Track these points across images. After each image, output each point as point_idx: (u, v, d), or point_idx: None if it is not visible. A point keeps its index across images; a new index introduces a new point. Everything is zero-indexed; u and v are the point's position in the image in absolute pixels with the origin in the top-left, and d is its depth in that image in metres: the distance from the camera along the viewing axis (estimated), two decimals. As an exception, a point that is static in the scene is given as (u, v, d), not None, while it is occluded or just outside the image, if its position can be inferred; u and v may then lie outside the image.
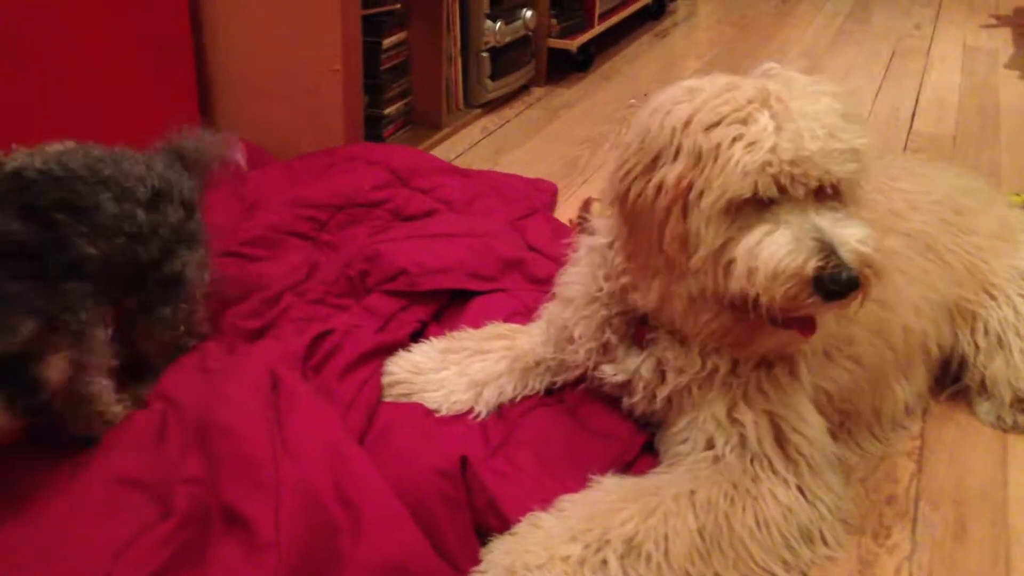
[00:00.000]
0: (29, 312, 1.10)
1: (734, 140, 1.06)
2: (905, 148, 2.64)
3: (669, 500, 1.14)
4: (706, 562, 1.12)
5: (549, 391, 1.43)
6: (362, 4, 2.23)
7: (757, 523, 1.15)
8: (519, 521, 1.15)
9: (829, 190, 1.08)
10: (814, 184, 1.06)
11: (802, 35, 3.92)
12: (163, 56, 2.13)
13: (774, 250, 1.05)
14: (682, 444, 1.24)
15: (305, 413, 1.25)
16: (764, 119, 1.06)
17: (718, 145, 1.06)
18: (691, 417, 1.23)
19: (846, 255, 1.04)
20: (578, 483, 1.22)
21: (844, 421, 1.35)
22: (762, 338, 1.15)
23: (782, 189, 1.05)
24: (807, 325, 1.12)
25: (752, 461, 1.18)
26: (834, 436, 1.30)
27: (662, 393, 1.25)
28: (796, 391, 1.22)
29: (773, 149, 1.04)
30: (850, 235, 1.06)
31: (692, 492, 1.15)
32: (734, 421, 1.19)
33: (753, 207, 1.07)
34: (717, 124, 1.07)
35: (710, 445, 1.20)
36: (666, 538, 1.11)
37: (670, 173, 1.09)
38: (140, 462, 1.20)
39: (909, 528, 1.27)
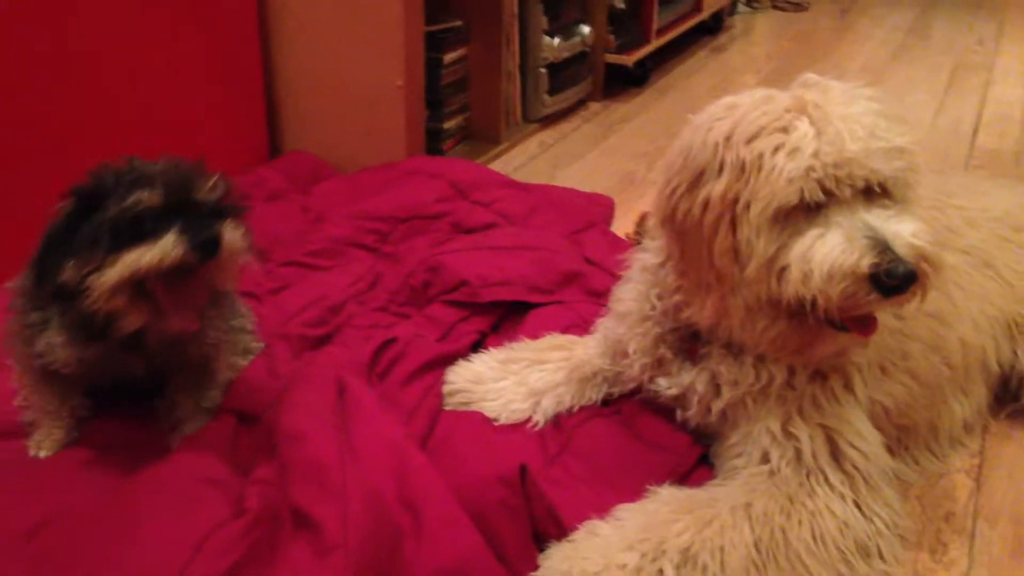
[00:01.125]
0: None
1: (776, 149, 1.07)
2: (967, 164, 2.62)
3: (725, 512, 1.16)
4: (762, 574, 1.13)
5: (606, 402, 1.45)
6: (424, 21, 2.29)
7: (814, 537, 1.16)
8: (576, 528, 1.18)
9: (878, 189, 1.09)
10: (861, 184, 1.07)
11: (861, 50, 3.90)
12: (233, 72, 2.21)
13: (827, 251, 1.06)
14: (737, 458, 1.25)
15: (370, 419, 1.29)
16: (804, 126, 1.07)
17: (760, 155, 1.08)
18: (746, 431, 1.24)
19: (900, 249, 1.04)
20: (634, 493, 1.24)
21: (901, 436, 1.35)
22: (822, 343, 1.15)
23: (828, 192, 1.07)
24: (867, 325, 1.12)
25: (808, 475, 1.19)
26: (891, 451, 1.30)
27: (717, 406, 1.26)
28: (852, 405, 1.23)
29: (815, 154, 1.06)
30: (903, 230, 1.06)
31: (748, 505, 1.17)
32: (789, 435, 1.20)
33: (802, 213, 1.08)
34: (757, 135, 1.09)
35: (765, 459, 1.22)
36: (722, 550, 1.13)
37: (716, 188, 1.11)
38: (216, 462, 1.25)
39: (967, 545, 1.27)
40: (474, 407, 1.43)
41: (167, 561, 1.07)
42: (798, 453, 1.20)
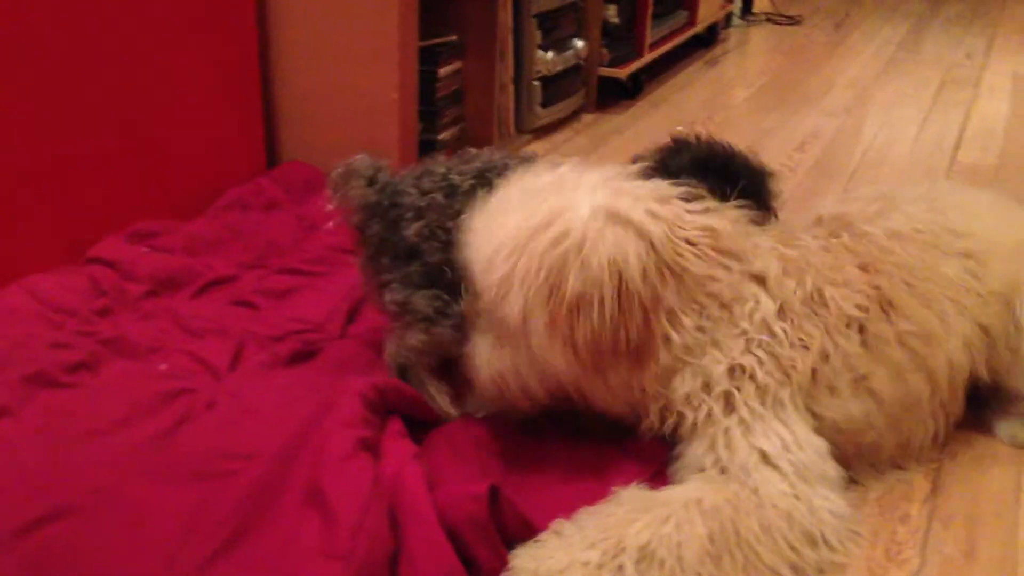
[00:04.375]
0: None
1: None
2: (946, 179, 2.68)
3: (680, 508, 1.21)
4: (718, 565, 1.18)
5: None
6: (420, 36, 2.36)
7: (762, 528, 1.21)
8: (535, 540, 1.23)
9: None
10: None
11: (852, 64, 3.97)
12: (233, 84, 2.28)
13: None
14: (683, 464, 1.33)
15: (391, 434, 1.38)
16: None
17: None
18: (684, 446, 1.33)
19: None
20: (604, 494, 1.29)
21: (863, 453, 1.40)
22: None
23: None
24: None
25: (747, 476, 1.25)
26: (848, 463, 1.36)
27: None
28: (784, 420, 1.29)
29: None
30: None
31: (699, 500, 1.22)
32: (717, 457, 1.28)
33: None
34: None
35: (702, 468, 1.29)
36: (679, 544, 1.18)
37: None
38: (212, 451, 1.33)
39: (920, 545, 1.33)
40: None
41: (158, 549, 1.14)
42: (726, 468, 1.27)
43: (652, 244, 1.25)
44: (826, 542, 1.24)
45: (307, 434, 1.32)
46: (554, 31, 2.98)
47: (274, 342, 1.67)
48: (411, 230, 1.43)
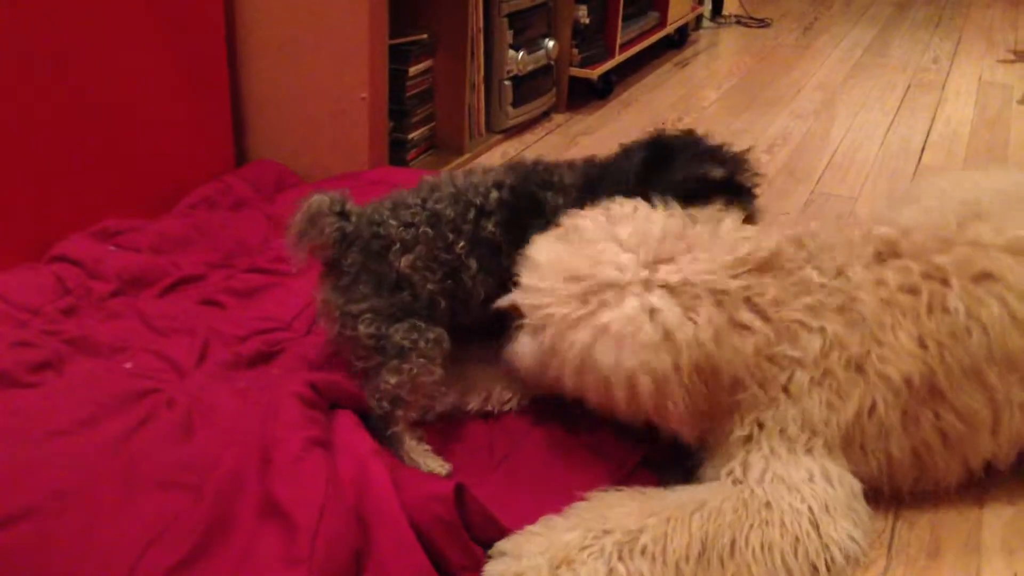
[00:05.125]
0: None
1: None
2: (912, 181, 2.71)
3: (673, 507, 1.21)
4: (702, 567, 1.16)
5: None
6: (389, 34, 2.35)
7: (762, 545, 1.17)
8: (519, 530, 1.23)
9: None
10: None
11: (820, 67, 4.00)
12: (200, 80, 2.25)
13: None
14: (699, 477, 1.33)
15: (344, 430, 1.36)
16: None
17: None
18: (711, 451, 1.33)
19: None
20: (574, 495, 1.29)
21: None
22: None
23: None
24: None
25: (770, 483, 1.23)
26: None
27: None
28: (814, 456, 1.27)
29: None
30: None
31: (703, 503, 1.21)
32: (732, 469, 1.27)
33: None
34: None
35: (717, 479, 1.28)
36: (665, 535, 1.17)
37: None
38: (178, 456, 1.31)
39: (886, 546, 1.34)
40: None
41: (118, 557, 1.12)
42: (740, 480, 1.26)
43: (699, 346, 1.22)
44: (828, 570, 1.20)
45: (259, 441, 1.30)
46: (525, 31, 2.98)
47: (239, 341, 1.65)
48: (403, 262, 1.39)
